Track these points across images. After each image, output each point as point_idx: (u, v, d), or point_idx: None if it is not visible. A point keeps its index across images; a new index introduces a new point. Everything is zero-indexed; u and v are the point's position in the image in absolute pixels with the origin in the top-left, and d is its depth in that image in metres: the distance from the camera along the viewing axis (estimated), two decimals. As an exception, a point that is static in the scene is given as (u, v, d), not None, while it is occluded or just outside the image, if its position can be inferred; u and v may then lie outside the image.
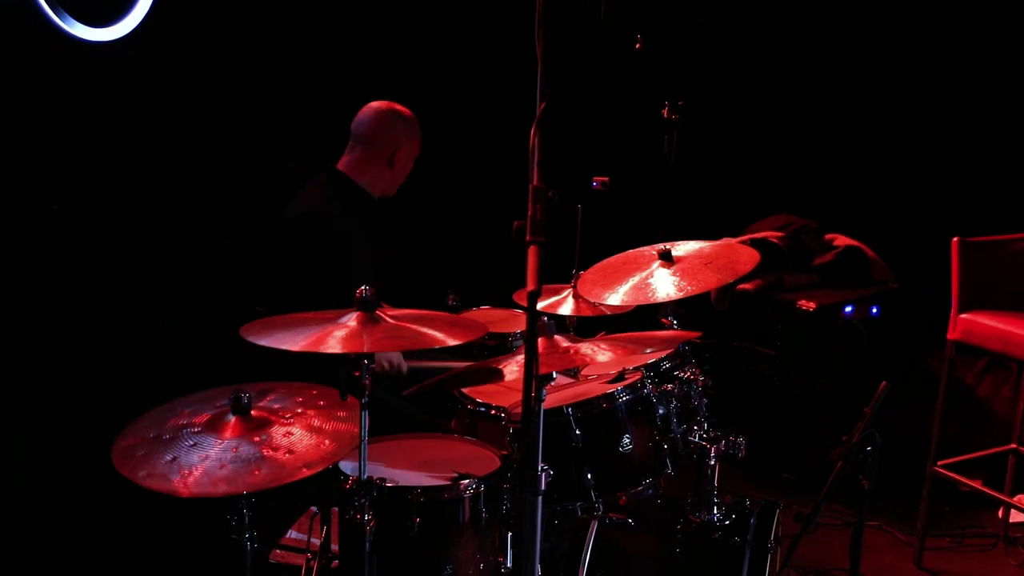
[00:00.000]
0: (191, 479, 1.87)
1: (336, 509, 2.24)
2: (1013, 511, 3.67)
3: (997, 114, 4.37)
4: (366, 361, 2.06)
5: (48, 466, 3.20)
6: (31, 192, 3.18)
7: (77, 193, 3.30)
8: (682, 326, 2.89)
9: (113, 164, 3.39)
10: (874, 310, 4.22)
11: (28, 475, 3.17)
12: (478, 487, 2.23)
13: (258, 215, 3.03)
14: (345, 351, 2.04)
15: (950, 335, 3.34)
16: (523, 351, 2.12)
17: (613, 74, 4.36)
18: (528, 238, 1.53)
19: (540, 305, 3.03)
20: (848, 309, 4.13)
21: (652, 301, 2.57)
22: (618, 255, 2.81)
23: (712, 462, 2.61)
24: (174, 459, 1.93)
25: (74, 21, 3.13)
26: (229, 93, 3.66)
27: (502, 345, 3.19)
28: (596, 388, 2.60)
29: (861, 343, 4.13)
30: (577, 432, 2.45)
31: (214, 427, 2.03)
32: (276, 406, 2.13)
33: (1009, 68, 4.33)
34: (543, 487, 1.83)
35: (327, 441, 2.05)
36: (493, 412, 2.66)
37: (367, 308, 2.15)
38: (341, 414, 2.13)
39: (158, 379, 3.41)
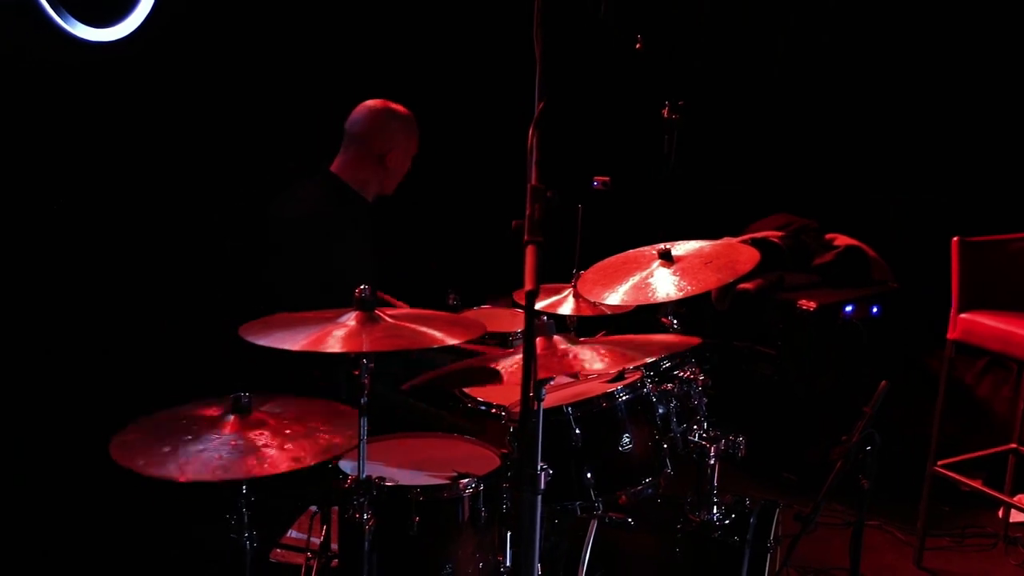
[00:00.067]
0: (188, 467, 1.91)
1: (336, 508, 2.24)
2: (1013, 511, 3.67)
3: (997, 114, 4.37)
4: (365, 360, 2.06)
5: (48, 466, 3.20)
6: (31, 192, 3.18)
7: (77, 193, 3.31)
8: (683, 325, 2.89)
9: (114, 164, 3.40)
10: (874, 310, 4.22)
11: (28, 475, 3.17)
12: (477, 486, 2.24)
13: (258, 215, 3.03)
14: (344, 350, 2.04)
15: (950, 335, 3.34)
16: (518, 351, 2.14)
17: (613, 74, 4.37)
18: (526, 238, 1.53)
19: (540, 305, 3.03)
20: (848, 309, 4.13)
21: (652, 301, 2.57)
22: (618, 255, 2.80)
23: (712, 461, 2.61)
24: (172, 450, 1.96)
25: (75, 21, 3.13)
26: (230, 93, 3.66)
27: (502, 345, 3.20)
28: (596, 387, 2.60)
29: (861, 343, 4.13)
30: (577, 431, 2.45)
31: (213, 425, 2.06)
32: (277, 410, 2.15)
33: (1009, 68, 4.33)
34: (543, 486, 1.83)
35: (326, 436, 2.07)
36: (493, 411, 2.66)
37: (366, 307, 2.15)
38: (341, 408, 2.17)
39: (158, 379, 3.42)
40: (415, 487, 2.20)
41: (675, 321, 2.88)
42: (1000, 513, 3.74)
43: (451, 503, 2.22)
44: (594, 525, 2.55)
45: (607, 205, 3.30)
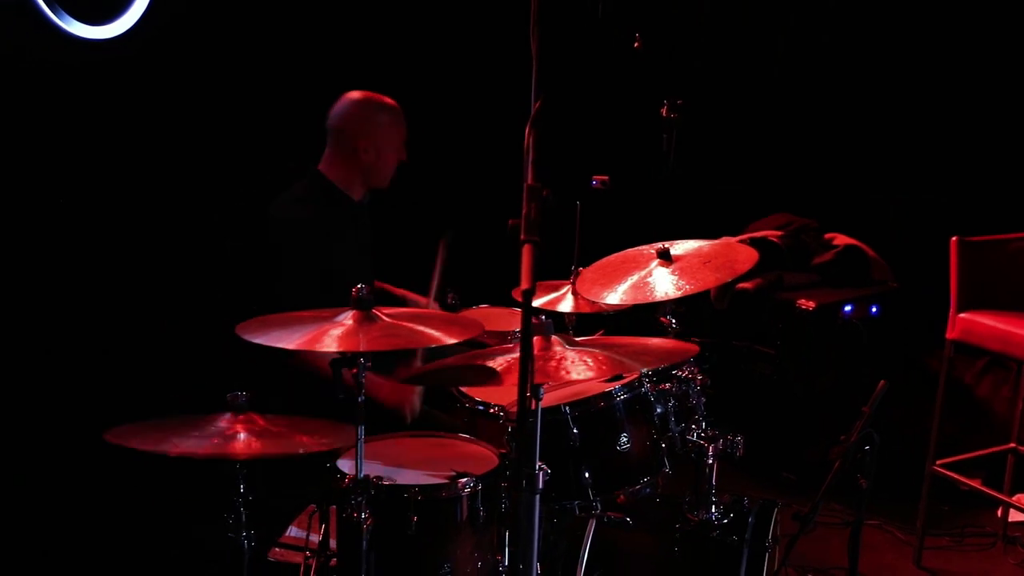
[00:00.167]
0: (181, 445, 2.04)
1: (334, 507, 2.24)
2: (1012, 510, 3.67)
3: (997, 114, 4.37)
4: (362, 360, 2.06)
5: (49, 466, 3.20)
6: (28, 191, 3.18)
7: (75, 192, 3.30)
8: (681, 325, 2.89)
9: (112, 163, 3.39)
10: (873, 309, 4.22)
11: (29, 475, 3.17)
12: (476, 486, 2.23)
13: (258, 215, 3.02)
14: (341, 350, 2.04)
15: (949, 334, 3.34)
16: (515, 347, 2.14)
17: (611, 73, 4.37)
18: (523, 237, 1.53)
19: (538, 302, 3.03)
20: (848, 308, 4.13)
21: (651, 300, 2.57)
22: (617, 254, 2.80)
23: (710, 461, 2.61)
24: (166, 435, 2.08)
25: (71, 19, 3.13)
26: (228, 91, 3.66)
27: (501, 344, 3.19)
28: (594, 386, 2.60)
29: (860, 342, 4.13)
30: (575, 431, 2.45)
31: (209, 420, 2.14)
32: (273, 417, 2.21)
33: (1009, 68, 4.33)
34: (541, 486, 1.83)
35: (321, 431, 2.15)
36: (492, 411, 2.66)
37: (363, 307, 2.15)
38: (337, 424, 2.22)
39: (158, 379, 3.42)
40: (413, 486, 2.20)
41: (674, 321, 2.88)
42: (999, 512, 3.74)
43: (449, 502, 2.22)
44: (592, 524, 2.55)
45: (606, 204, 3.30)
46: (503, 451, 2.38)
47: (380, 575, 2.16)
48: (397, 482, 2.21)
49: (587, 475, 2.46)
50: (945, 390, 3.41)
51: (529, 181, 1.57)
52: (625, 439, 2.50)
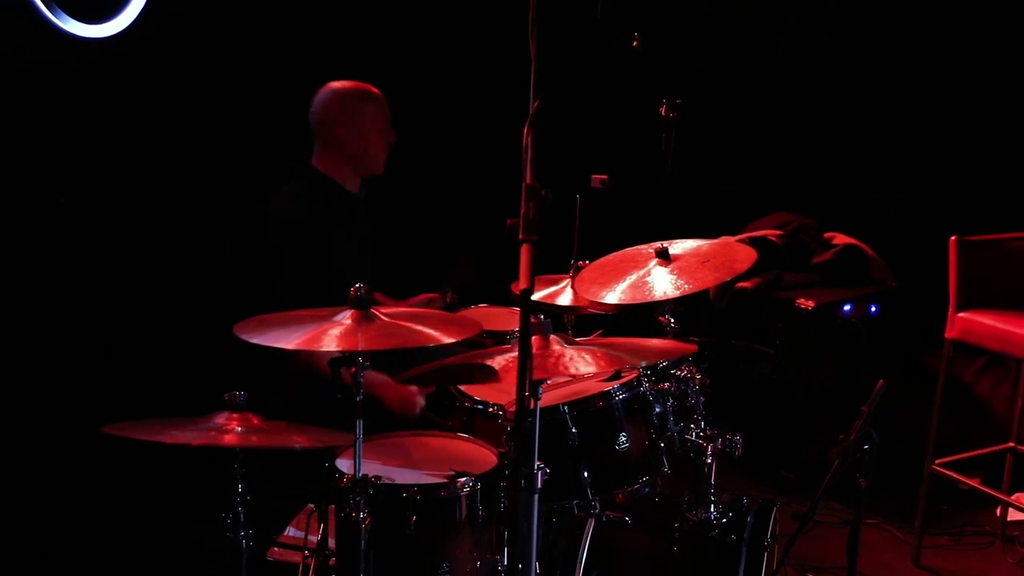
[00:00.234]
0: (177, 436, 2.07)
1: (333, 507, 2.24)
2: (1011, 509, 3.68)
3: (996, 114, 4.37)
4: (360, 359, 2.06)
5: (49, 466, 3.20)
6: (27, 191, 3.18)
7: (74, 192, 3.30)
8: (680, 325, 2.89)
9: (110, 163, 3.39)
10: (873, 309, 4.22)
11: (28, 475, 3.17)
12: (475, 485, 2.23)
13: (257, 214, 3.02)
14: (340, 349, 2.04)
15: (948, 334, 3.34)
16: (514, 348, 2.13)
17: (610, 72, 4.36)
18: (521, 236, 1.53)
19: (538, 295, 3.03)
20: (847, 308, 4.13)
21: (650, 299, 2.57)
22: (615, 253, 2.80)
23: (709, 460, 2.60)
24: (163, 428, 2.12)
25: (68, 17, 3.12)
26: (228, 90, 3.65)
27: (500, 344, 3.19)
28: (592, 386, 2.60)
29: (860, 342, 4.13)
30: (573, 430, 2.45)
31: (207, 418, 2.16)
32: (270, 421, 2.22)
33: (1008, 68, 4.33)
34: (539, 485, 1.83)
35: (317, 430, 2.16)
36: (491, 410, 2.66)
37: (362, 306, 2.15)
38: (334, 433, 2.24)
39: (158, 380, 3.42)
40: (412, 486, 2.20)
41: (673, 320, 2.88)
42: (998, 512, 3.75)
43: (448, 502, 2.22)
44: (591, 524, 2.55)
45: (605, 203, 3.30)
46: (502, 450, 2.38)
47: (379, 574, 2.16)
48: (396, 481, 2.21)
49: (586, 474, 2.46)
50: (944, 389, 3.41)
51: (527, 180, 1.57)
52: (624, 438, 2.50)
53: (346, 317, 2.14)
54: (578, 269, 2.89)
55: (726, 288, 4.16)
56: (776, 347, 4.14)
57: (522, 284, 1.51)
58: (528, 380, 1.60)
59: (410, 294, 3.37)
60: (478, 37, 4.38)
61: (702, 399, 2.72)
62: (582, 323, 3.20)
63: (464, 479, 2.23)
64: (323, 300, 2.28)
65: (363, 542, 2.12)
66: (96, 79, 3.28)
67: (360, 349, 2.05)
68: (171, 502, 3.28)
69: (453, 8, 4.37)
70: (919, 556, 3.50)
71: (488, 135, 4.04)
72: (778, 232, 4.39)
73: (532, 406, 1.84)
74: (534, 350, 2.09)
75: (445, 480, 2.23)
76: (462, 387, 2.79)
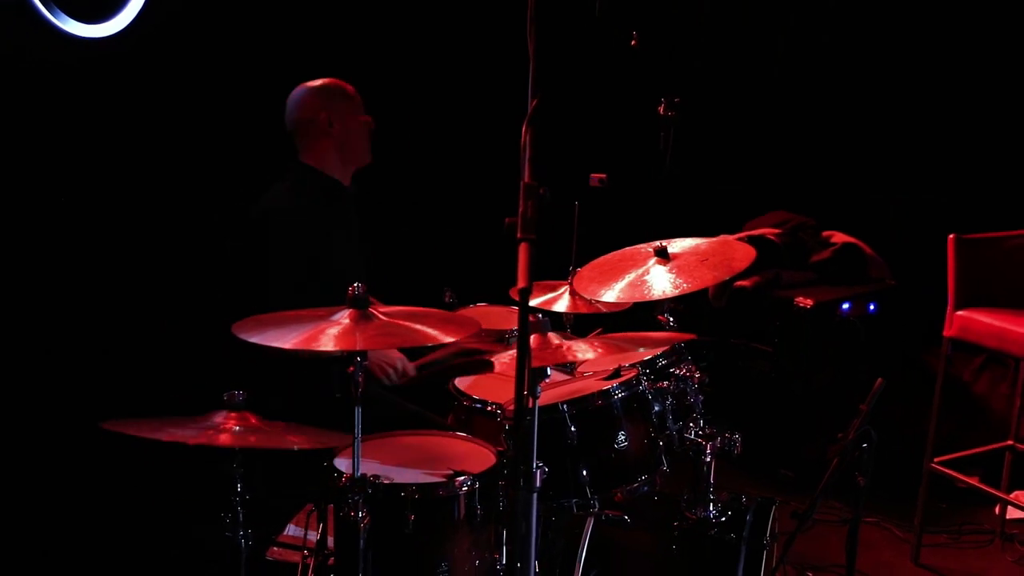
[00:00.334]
0: (175, 434, 2.07)
1: (332, 506, 2.24)
2: (1009, 507, 3.68)
3: (995, 114, 4.37)
4: (359, 358, 2.06)
5: (48, 466, 3.20)
6: (26, 191, 3.18)
7: (73, 192, 3.30)
8: (679, 323, 2.89)
9: (110, 163, 3.39)
10: (871, 307, 4.22)
11: (28, 476, 3.17)
12: (473, 484, 2.23)
13: (252, 213, 3.02)
14: (338, 348, 2.04)
15: (946, 332, 3.35)
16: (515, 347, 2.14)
17: (609, 71, 4.36)
18: (519, 235, 1.53)
19: (535, 301, 3.03)
20: (845, 306, 4.13)
21: (648, 298, 2.57)
22: (614, 252, 2.80)
23: (708, 459, 2.61)
24: (161, 425, 2.12)
25: (67, 17, 3.12)
26: (228, 90, 3.65)
27: (499, 343, 3.19)
28: (591, 385, 2.60)
29: (858, 340, 4.13)
30: (572, 429, 2.45)
31: (206, 417, 2.16)
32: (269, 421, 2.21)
33: (1008, 68, 4.33)
34: (538, 484, 1.83)
35: (315, 430, 2.15)
36: (489, 409, 2.66)
37: (359, 305, 2.15)
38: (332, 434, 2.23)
39: (158, 380, 3.42)
40: (411, 485, 2.19)
41: (671, 319, 2.88)
42: (997, 510, 3.75)
43: (447, 501, 2.22)
44: (590, 523, 2.55)
45: (603, 202, 3.30)
46: (500, 449, 2.38)
47: (378, 574, 2.16)
48: (395, 481, 2.21)
49: (585, 473, 2.46)
50: (943, 387, 3.41)
51: (526, 179, 1.57)
52: (623, 437, 2.50)
53: (344, 316, 2.14)
54: (575, 276, 2.88)
55: (725, 287, 4.16)
56: (775, 345, 4.14)
57: (520, 283, 1.51)
58: (527, 378, 1.59)
59: (409, 294, 3.37)
60: (476, 36, 4.38)
61: (701, 398, 2.72)
62: (581, 323, 3.20)
63: (462, 478, 2.23)
64: (317, 291, 2.28)
65: (362, 541, 2.12)
66: (95, 79, 3.27)
67: (359, 348, 2.05)
68: (170, 502, 3.28)
69: (451, 7, 4.37)
70: (918, 554, 3.51)
71: (486, 134, 4.04)
72: (777, 231, 4.39)
73: (530, 405, 1.84)
74: (533, 348, 2.09)
75: (444, 479, 2.23)
76: (461, 386, 2.79)
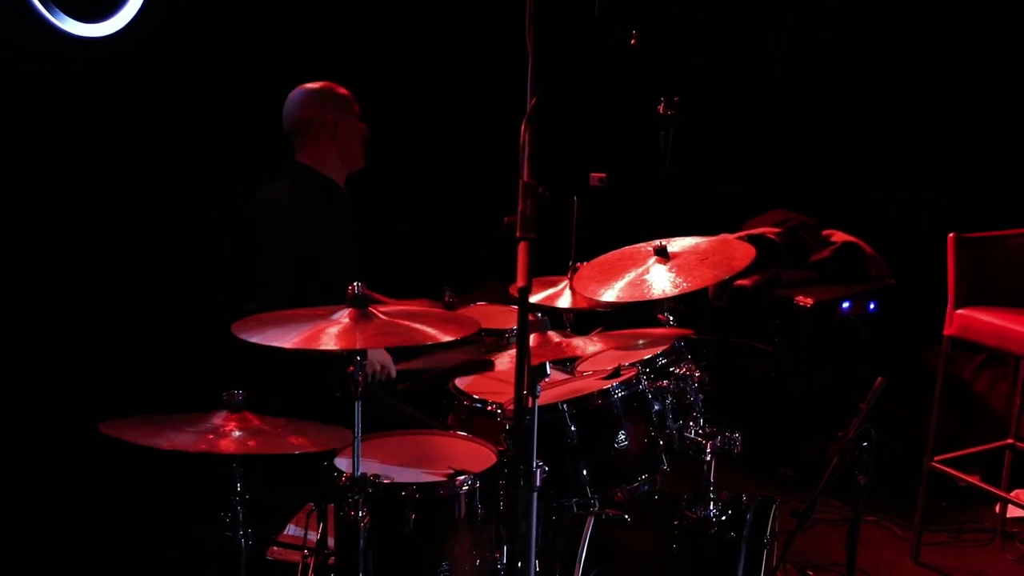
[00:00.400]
0: (175, 440, 2.04)
1: (332, 506, 2.24)
2: (1010, 506, 3.68)
3: (995, 114, 4.37)
4: (359, 358, 2.06)
5: (49, 466, 3.20)
6: (24, 191, 3.18)
7: (72, 192, 3.30)
8: (679, 322, 2.89)
9: (109, 163, 3.39)
10: (871, 306, 4.22)
11: (28, 475, 3.17)
12: (474, 483, 2.23)
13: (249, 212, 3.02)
14: (338, 347, 2.04)
15: (947, 331, 3.34)
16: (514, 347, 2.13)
17: (608, 70, 4.36)
18: (518, 234, 1.53)
19: (536, 297, 3.04)
20: (845, 305, 4.13)
21: (648, 297, 2.57)
22: (614, 251, 2.80)
23: (708, 458, 2.61)
24: (162, 430, 2.09)
25: (65, 17, 3.12)
26: (227, 89, 3.65)
27: (499, 342, 3.19)
28: (591, 384, 2.60)
29: (858, 339, 4.13)
30: (572, 428, 2.45)
31: (205, 418, 2.14)
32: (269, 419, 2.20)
33: (1007, 68, 4.33)
34: (539, 483, 1.83)
35: (316, 431, 2.14)
36: (489, 408, 2.66)
37: (359, 304, 2.15)
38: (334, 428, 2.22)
39: (158, 379, 3.42)
40: (411, 484, 2.19)
41: (671, 318, 2.88)
42: (997, 508, 3.75)
43: (447, 500, 2.21)
44: (590, 522, 2.55)
45: (603, 201, 3.30)
46: (501, 449, 2.38)
47: (378, 573, 2.16)
48: (395, 480, 2.20)
49: (585, 472, 2.46)
50: (943, 386, 3.41)
51: (525, 178, 1.56)
52: (623, 436, 2.50)
53: (344, 316, 2.14)
54: (576, 271, 2.88)
55: (725, 286, 4.16)
56: (775, 344, 4.14)
57: (519, 282, 1.51)
58: (527, 377, 1.59)
59: (408, 292, 3.37)
60: (475, 34, 4.37)
61: (701, 397, 2.72)
62: (581, 321, 3.20)
63: (463, 477, 2.23)
64: (317, 290, 2.29)
65: (362, 541, 2.12)
66: (94, 78, 3.27)
67: (359, 347, 2.05)
68: (170, 501, 3.28)
69: (450, 6, 4.37)
70: (918, 553, 3.50)
71: (486, 133, 4.04)
72: (776, 229, 4.39)
73: (530, 404, 1.84)
74: (533, 346, 2.09)
75: (444, 479, 2.23)
76: (461, 386, 2.79)
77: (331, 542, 2.30)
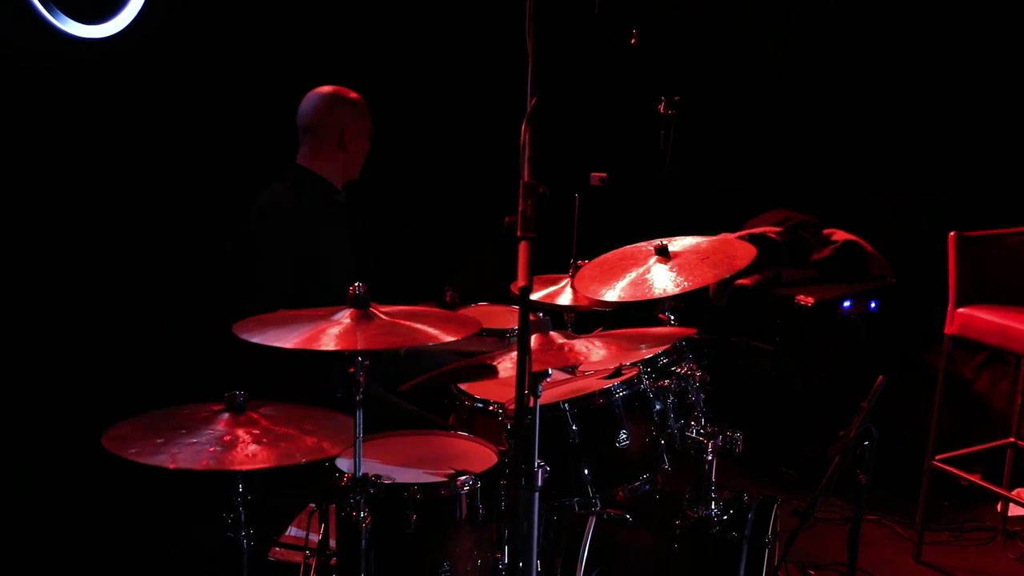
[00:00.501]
0: (179, 457, 1.98)
1: (334, 506, 2.24)
2: (1012, 505, 3.67)
3: (995, 113, 4.36)
4: (360, 358, 2.06)
5: (49, 466, 3.20)
6: (24, 192, 3.18)
7: (73, 193, 3.30)
8: (680, 322, 2.89)
9: (110, 164, 3.39)
10: (872, 305, 4.22)
11: (29, 476, 3.17)
12: (475, 484, 2.24)
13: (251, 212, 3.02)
14: (339, 348, 2.04)
15: (947, 329, 3.34)
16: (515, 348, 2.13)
17: (609, 69, 4.36)
18: (519, 234, 1.53)
19: (537, 295, 3.04)
20: (846, 304, 4.13)
21: (650, 297, 2.57)
22: (615, 251, 2.80)
23: (709, 457, 2.60)
24: (164, 441, 2.03)
25: (66, 18, 3.12)
26: (227, 90, 3.65)
27: (499, 342, 3.19)
28: (593, 384, 2.60)
29: (859, 338, 4.13)
30: (574, 428, 2.45)
31: (208, 421, 2.10)
32: (272, 413, 2.18)
33: (1007, 67, 4.32)
34: (540, 483, 1.83)
35: (319, 434, 2.11)
36: (491, 408, 2.66)
37: (360, 305, 2.15)
38: (336, 415, 2.20)
39: (158, 379, 3.42)
40: (412, 485, 2.20)
41: (672, 317, 2.88)
42: (999, 507, 3.75)
43: (449, 501, 2.22)
44: (592, 521, 2.55)
45: (604, 201, 3.30)
46: (502, 449, 2.38)
47: (380, 574, 2.17)
48: (396, 480, 2.21)
49: (586, 472, 2.46)
50: (944, 385, 3.41)
51: (526, 178, 1.56)
52: (624, 436, 2.50)
53: (345, 316, 2.14)
54: (577, 268, 2.89)
55: (725, 285, 4.16)
56: (776, 344, 4.14)
57: (520, 281, 1.51)
58: (528, 377, 1.59)
59: (409, 293, 3.37)
60: (475, 34, 4.37)
61: (702, 396, 2.72)
62: (582, 321, 3.20)
63: (464, 477, 2.23)
64: (317, 291, 2.29)
65: (364, 541, 2.12)
66: (94, 79, 3.27)
67: (360, 348, 2.05)
68: (171, 502, 3.28)
69: (450, 6, 4.37)
70: (920, 552, 3.50)
71: (486, 133, 4.04)
72: (777, 229, 4.39)
73: (532, 404, 1.84)
74: (534, 347, 2.09)
75: (445, 479, 2.23)
76: (462, 386, 2.79)
77: (333, 543, 2.30)
